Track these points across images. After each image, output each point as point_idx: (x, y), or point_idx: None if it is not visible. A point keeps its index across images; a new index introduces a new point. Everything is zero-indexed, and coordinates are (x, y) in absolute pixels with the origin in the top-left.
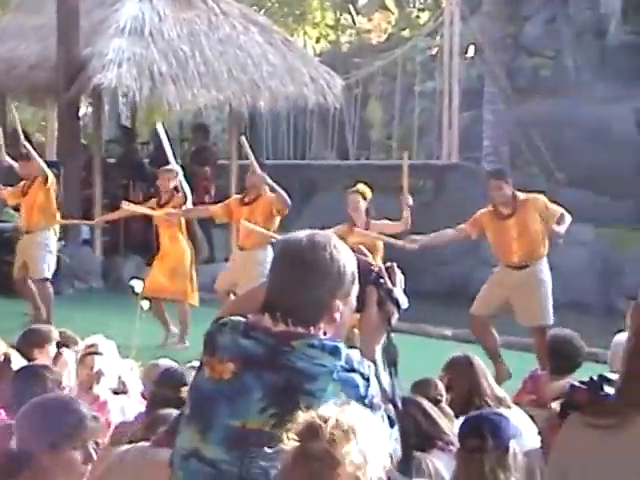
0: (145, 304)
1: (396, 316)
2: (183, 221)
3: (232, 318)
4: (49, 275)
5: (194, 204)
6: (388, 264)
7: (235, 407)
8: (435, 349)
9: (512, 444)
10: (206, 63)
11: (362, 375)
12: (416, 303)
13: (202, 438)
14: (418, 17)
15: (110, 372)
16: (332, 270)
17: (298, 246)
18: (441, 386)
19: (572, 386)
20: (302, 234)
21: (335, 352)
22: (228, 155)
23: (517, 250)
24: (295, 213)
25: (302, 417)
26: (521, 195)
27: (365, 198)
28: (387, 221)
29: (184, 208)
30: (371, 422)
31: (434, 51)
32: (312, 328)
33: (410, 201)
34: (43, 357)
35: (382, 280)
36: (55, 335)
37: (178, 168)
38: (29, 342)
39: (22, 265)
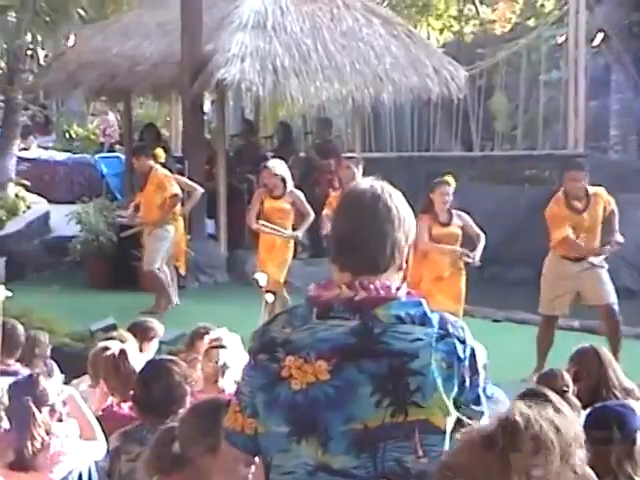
0: (270, 297)
1: None
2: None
3: (286, 310)
4: (157, 266)
5: (318, 196)
6: None
7: (349, 410)
8: (563, 341)
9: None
10: (329, 56)
11: (458, 338)
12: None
13: (324, 451)
14: (543, 6)
15: (235, 365)
16: (397, 215)
17: (363, 195)
18: (567, 377)
19: None
20: (363, 185)
21: (425, 321)
22: (351, 148)
23: (585, 244)
24: (421, 205)
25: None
26: (590, 189)
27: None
28: (472, 223)
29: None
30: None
31: (559, 40)
32: (384, 276)
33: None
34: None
35: None
36: (158, 329)
37: (279, 163)
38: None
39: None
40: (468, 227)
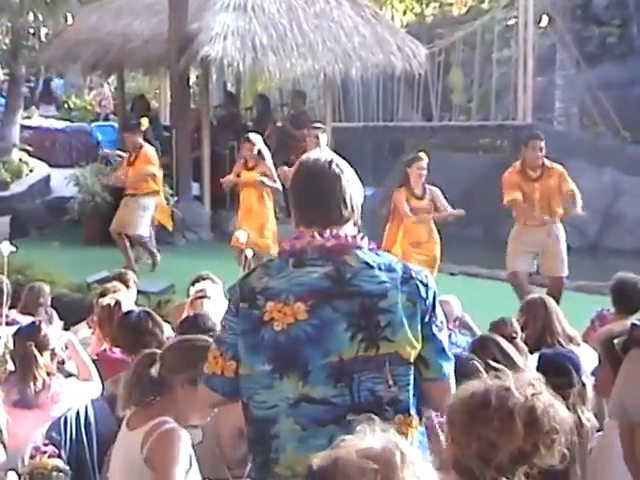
0: (249, 252)
1: None
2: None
3: (261, 264)
4: (139, 232)
5: (293, 163)
6: None
7: (326, 345)
8: (512, 293)
9: (587, 379)
10: (303, 35)
11: (421, 282)
12: (494, 251)
13: (305, 383)
14: None
15: (217, 314)
16: (348, 177)
17: (317, 162)
18: (516, 325)
19: (633, 324)
20: (315, 154)
21: (391, 268)
22: (323, 119)
23: (537, 212)
24: (385, 169)
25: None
26: (547, 162)
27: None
28: (441, 197)
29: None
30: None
31: (510, 22)
32: (346, 227)
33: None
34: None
35: None
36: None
37: (258, 138)
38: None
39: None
40: (438, 201)
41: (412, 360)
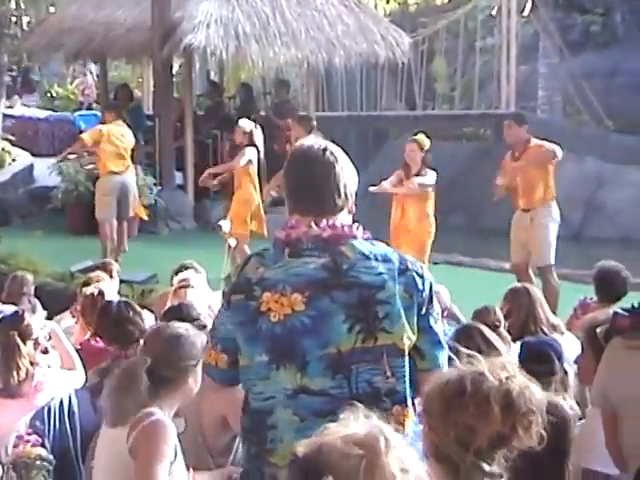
0: (232, 241)
1: None
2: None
3: (255, 253)
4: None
5: (277, 152)
6: None
7: (324, 336)
8: (495, 281)
9: (569, 367)
10: (286, 24)
11: (417, 273)
12: (478, 239)
13: (303, 375)
14: None
15: (201, 303)
16: (342, 165)
17: (311, 150)
18: (499, 313)
19: (615, 313)
20: (308, 141)
21: (387, 259)
22: (306, 108)
23: (522, 194)
24: (368, 158)
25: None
26: (535, 141)
27: (422, 148)
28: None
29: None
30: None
31: (494, 10)
32: (341, 215)
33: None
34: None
35: None
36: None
37: (251, 125)
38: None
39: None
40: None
41: (408, 351)
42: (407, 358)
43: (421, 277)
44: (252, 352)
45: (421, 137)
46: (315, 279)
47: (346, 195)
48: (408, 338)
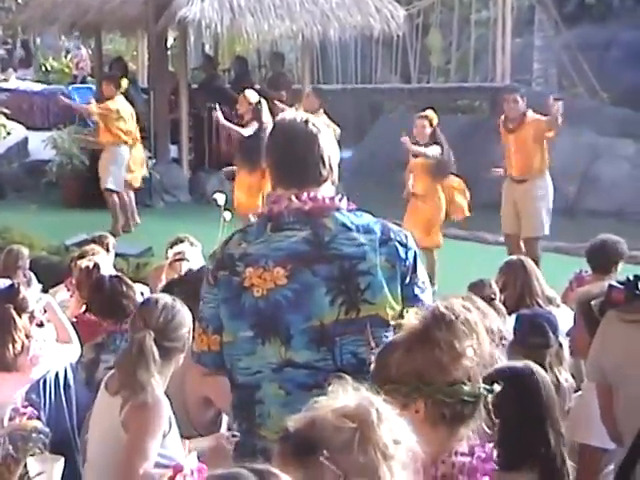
0: (227, 215)
1: None
2: None
3: (239, 229)
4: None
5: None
6: None
7: (307, 309)
8: (491, 255)
9: (564, 340)
10: None
11: (400, 242)
12: (474, 212)
13: (287, 349)
14: None
15: None
16: (325, 137)
17: (293, 122)
18: (495, 286)
19: (610, 285)
20: (290, 115)
21: (369, 229)
22: (301, 80)
23: (515, 164)
24: (363, 131)
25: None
26: (531, 114)
27: (432, 124)
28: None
29: None
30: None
31: None
32: (324, 187)
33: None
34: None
35: None
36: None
37: (256, 98)
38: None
39: None
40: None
41: (392, 322)
42: (392, 329)
43: (404, 246)
44: (236, 328)
45: (431, 113)
46: (296, 252)
47: (330, 166)
48: (392, 308)
